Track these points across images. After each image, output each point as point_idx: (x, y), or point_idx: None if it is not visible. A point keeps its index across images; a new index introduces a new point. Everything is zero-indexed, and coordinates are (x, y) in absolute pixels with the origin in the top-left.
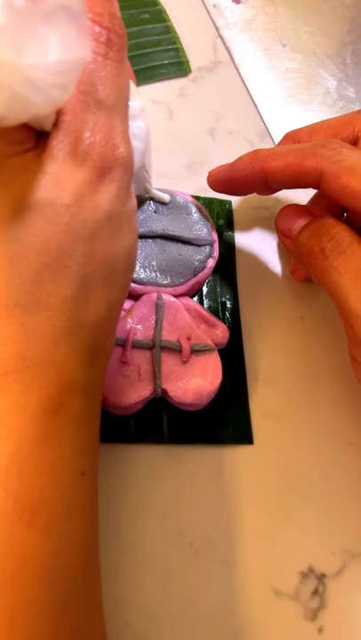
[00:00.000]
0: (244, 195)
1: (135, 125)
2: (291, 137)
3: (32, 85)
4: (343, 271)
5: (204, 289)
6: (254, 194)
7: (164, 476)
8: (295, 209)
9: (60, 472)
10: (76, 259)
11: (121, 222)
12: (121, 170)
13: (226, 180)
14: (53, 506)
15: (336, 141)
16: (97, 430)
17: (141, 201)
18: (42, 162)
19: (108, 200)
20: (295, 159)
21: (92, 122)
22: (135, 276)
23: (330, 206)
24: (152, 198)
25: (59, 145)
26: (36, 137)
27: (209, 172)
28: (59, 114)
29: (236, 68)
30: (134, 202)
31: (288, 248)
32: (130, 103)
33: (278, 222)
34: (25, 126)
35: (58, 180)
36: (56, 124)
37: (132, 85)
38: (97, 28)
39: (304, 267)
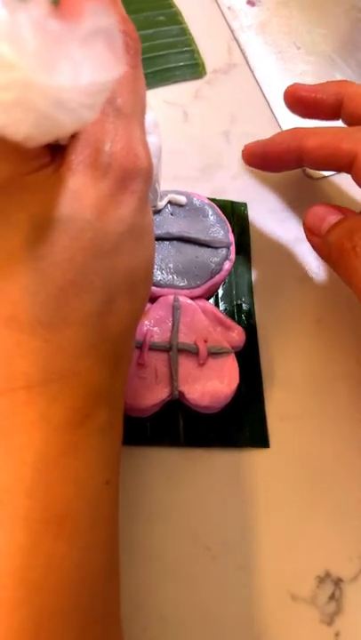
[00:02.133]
0: (276, 171)
1: (148, 141)
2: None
3: (61, 106)
4: None
5: (220, 291)
6: (270, 197)
7: (180, 478)
8: (325, 207)
9: (85, 482)
10: (100, 273)
11: (142, 234)
12: (142, 180)
13: (261, 154)
14: (79, 516)
15: None
16: (120, 438)
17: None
18: (61, 177)
19: (130, 213)
20: (332, 140)
21: (112, 131)
22: (153, 272)
23: None
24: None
25: (78, 158)
26: (50, 151)
27: (245, 146)
28: None
29: (251, 71)
30: (151, 213)
31: (316, 246)
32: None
33: (307, 220)
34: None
35: (79, 195)
36: (74, 135)
37: (147, 98)
38: None
39: (332, 266)
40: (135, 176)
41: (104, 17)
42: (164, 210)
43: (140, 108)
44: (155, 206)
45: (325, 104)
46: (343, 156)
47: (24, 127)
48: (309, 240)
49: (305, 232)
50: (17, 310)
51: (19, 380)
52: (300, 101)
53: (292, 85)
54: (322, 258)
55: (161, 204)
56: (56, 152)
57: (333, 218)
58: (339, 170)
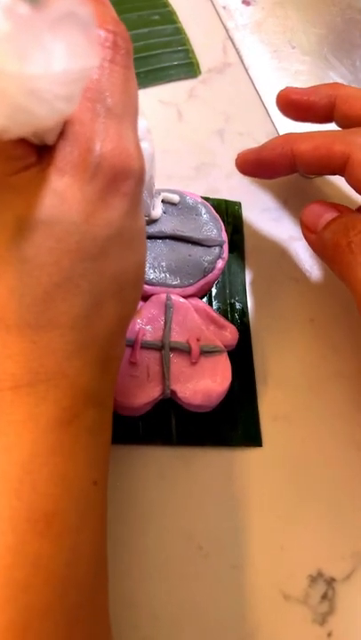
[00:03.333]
0: (270, 178)
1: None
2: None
3: (36, 96)
4: None
5: (214, 290)
6: (263, 196)
7: (173, 477)
8: (322, 204)
9: (73, 482)
10: (87, 277)
11: (132, 237)
12: (133, 182)
13: (255, 161)
14: (67, 515)
15: None
16: (109, 439)
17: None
18: (47, 177)
19: (119, 216)
20: (325, 142)
21: (102, 131)
22: (144, 276)
23: None
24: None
25: (66, 158)
26: (36, 152)
27: (238, 154)
28: (65, 124)
29: (246, 70)
30: (143, 216)
31: (312, 243)
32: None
33: (303, 217)
34: (23, 141)
35: (65, 196)
36: (62, 135)
37: (141, 106)
38: (102, 32)
39: (327, 262)
40: (126, 177)
41: (76, 3)
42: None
43: (132, 110)
44: (148, 215)
45: (318, 107)
46: (336, 158)
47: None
48: (305, 237)
49: (301, 228)
50: (4, 312)
51: (6, 380)
52: (292, 105)
53: (284, 89)
54: (317, 254)
55: (155, 213)
56: (43, 152)
57: (330, 215)
58: (332, 173)
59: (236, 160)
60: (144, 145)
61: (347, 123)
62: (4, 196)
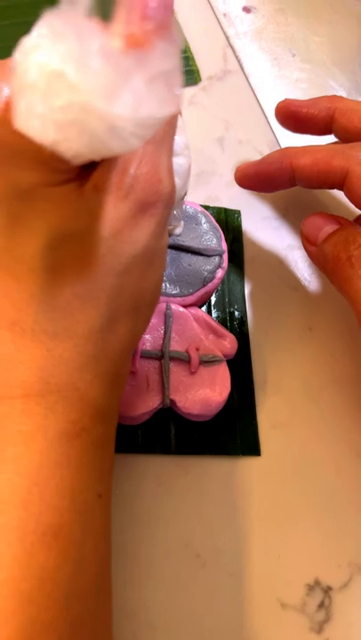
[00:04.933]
0: (269, 192)
1: (176, 162)
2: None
3: (114, 132)
4: None
5: (213, 299)
6: (263, 204)
7: (172, 486)
8: (322, 216)
9: (79, 495)
10: (106, 291)
11: (154, 258)
12: (162, 206)
13: (254, 175)
14: (72, 528)
15: None
16: (112, 452)
17: None
18: (83, 192)
19: (145, 236)
20: (323, 157)
21: (140, 155)
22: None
23: None
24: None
25: (104, 177)
26: (79, 168)
27: (236, 168)
28: None
29: (246, 78)
30: (167, 237)
31: (312, 255)
32: (175, 139)
33: (304, 228)
34: None
35: (99, 212)
36: None
37: (180, 120)
38: None
39: (327, 275)
40: (156, 200)
41: (171, 58)
42: None
43: (170, 135)
44: (173, 227)
45: (317, 119)
46: (335, 172)
47: (75, 146)
48: (306, 249)
49: (301, 240)
50: (22, 316)
51: (17, 387)
52: (291, 116)
53: (283, 100)
54: (317, 267)
55: (178, 230)
56: (84, 168)
57: (330, 227)
58: (331, 187)
59: (235, 174)
60: (180, 160)
61: (345, 135)
62: (41, 205)
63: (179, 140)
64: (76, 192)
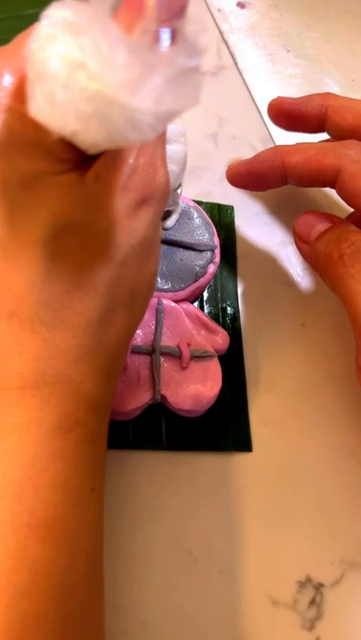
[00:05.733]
0: (261, 190)
1: (173, 149)
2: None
3: (133, 125)
4: None
5: (205, 294)
6: (256, 200)
7: (163, 482)
8: (315, 214)
9: (73, 488)
10: (105, 281)
11: (150, 248)
12: (159, 195)
13: (245, 173)
14: (66, 522)
15: (358, 142)
16: (105, 446)
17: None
18: (85, 182)
19: (143, 226)
20: (315, 155)
21: (137, 146)
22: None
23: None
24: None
25: (105, 167)
26: (81, 157)
27: (228, 166)
28: None
29: (240, 73)
30: (161, 228)
31: (304, 253)
32: (169, 127)
33: (296, 227)
34: (72, 146)
35: (99, 202)
36: None
37: None
38: None
39: (319, 273)
40: (153, 190)
41: (195, 56)
42: None
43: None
44: (170, 212)
45: (309, 117)
46: (327, 171)
47: (94, 136)
48: (298, 247)
49: (294, 238)
50: (20, 306)
51: (13, 379)
52: (283, 114)
53: (275, 98)
54: (310, 265)
55: (169, 223)
56: (85, 157)
57: (322, 226)
58: (323, 185)
59: (227, 172)
60: (177, 147)
61: (338, 133)
62: (43, 194)
63: (174, 127)
64: (77, 181)
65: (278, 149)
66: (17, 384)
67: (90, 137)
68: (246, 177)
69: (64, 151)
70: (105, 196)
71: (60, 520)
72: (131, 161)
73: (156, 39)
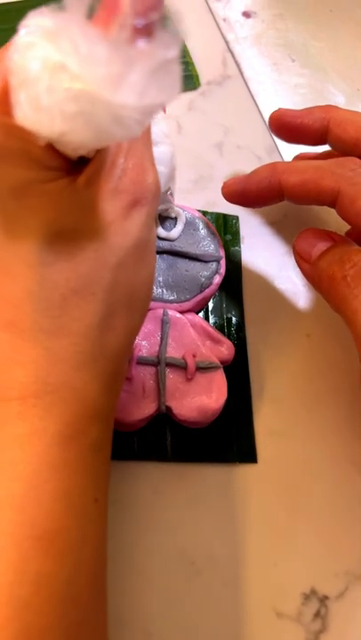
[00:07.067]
0: (258, 207)
1: (158, 150)
2: (301, 158)
3: (119, 121)
4: None
5: (210, 305)
6: (261, 210)
7: (167, 493)
8: (315, 232)
9: (75, 499)
10: (102, 286)
11: (146, 250)
12: (150, 195)
13: (241, 192)
14: (69, 533)
15: (356, 161)
16: (109, 456)
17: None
18: (76, 188)
19: (137, 227)
20: (313, 177)
21: (126, 148)
22: (152, 291)
23: None
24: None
25: (95, 171)
26: (70, 164)
27: (224, 183)
28: None
29: (246, 83)
30: (155, 230)
31: (305, 273)
32: (152, 129)
33: (297, 245)
34: (59, 154)
35: (91, 206)
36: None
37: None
38: None
39: (322, 293)
40: (144, 191)
41: (173, 47)
42: None
43: (149, 128)
44: (170, 215)
45: (311, 130)
46: (325, 193)
47: (81, 136)
48: (299, 265)
49: (295, 257)
50: (18, 315)
51: (14, 389)
52: (285, 127)
53: (277, 110)
54: (312, 284)
55: (174, 233)
56: (75, 163)
57: (323, 245)
58: (322, 205)
59: (223, 189)
60: (162, 148)
61: (341, 146)
62: (34, 202)
63: (157, 129)
64: (68, 188)
65: (275, 168)
66: (18, 394)
67: (77, 137)
68: (242, 196)
69: (52, 159)
70: (96, 200)
71: (63, 531)
72: (120, 164)
73: (134, 33)
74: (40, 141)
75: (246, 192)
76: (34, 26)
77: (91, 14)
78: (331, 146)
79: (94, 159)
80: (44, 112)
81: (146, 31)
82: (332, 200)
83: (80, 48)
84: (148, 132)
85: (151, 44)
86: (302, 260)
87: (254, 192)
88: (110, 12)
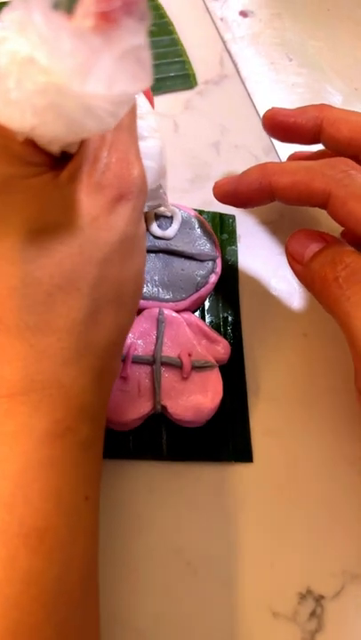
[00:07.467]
0: (250, 207)
1: (146, 145)
2: (296, 157)
3: (90, 112)
4: (357, 302)
5: (206, 304)
6: (257, 210)
7: (163, 492)
8: (307, 233)
9: (65, 497)
10: (88, 281)
11: (133, 245)
12: (136, 189)
13: (232, 193)
14: (58, 531)
15: (347, 162)
16: (100, 454)
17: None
18: (59, 183)
19: (122, 222)
20: (304, 178)
21: (109, 142)
22: (143, 286)
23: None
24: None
25: (77, 166)
26: (52, 159)
27: (215, 183)
28: None
29: (243, 82)
30: (144, 224)
31: (298, 274)
32: (138, 123)
33: (289, 246)
34: (40, 149)
35: (74, 201)
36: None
37: (148, 105)
38: None
39: (315, 295)
40: (130, 185)
41: (139, 34)
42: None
43: (133, 121)
44: (164, 206)
45: (304, 129)
46: (316, 195)
47: (52, 129)
48: (291, 267)
49: (287, 258)
50: (3, 312)
51: (1, 387)
52: (278, 126)
53: (270, 109)
54: (304, 286)
55: (169, 232)
56: (59, 159)
57: (316, 246)
58: (313, 207)
59: (214, 189)
60: (150, 143)
61: (334, 145)
62: (16, 198)
63: (144, 123)
64: (51, 183)
65: (266, 169)
66: (5, 391)
67: (49, 130)
68: (233, 197)
69: (33, 155)
70: (80, 194)
71: (52, 529)
72: (104, 158)
73: (98, 21)
74: (18, 137)
75: (237, 193)
76: (8, 21)
77: (57, 4)
78: (324, 145)
79: (77, 154)
80: (14, 106)
81: (110, 18)
82: (323, 202)
83: (48, 39)
84: (133, 126)
85: (117, 32)
86: (295, 262)
87: (245, 193)
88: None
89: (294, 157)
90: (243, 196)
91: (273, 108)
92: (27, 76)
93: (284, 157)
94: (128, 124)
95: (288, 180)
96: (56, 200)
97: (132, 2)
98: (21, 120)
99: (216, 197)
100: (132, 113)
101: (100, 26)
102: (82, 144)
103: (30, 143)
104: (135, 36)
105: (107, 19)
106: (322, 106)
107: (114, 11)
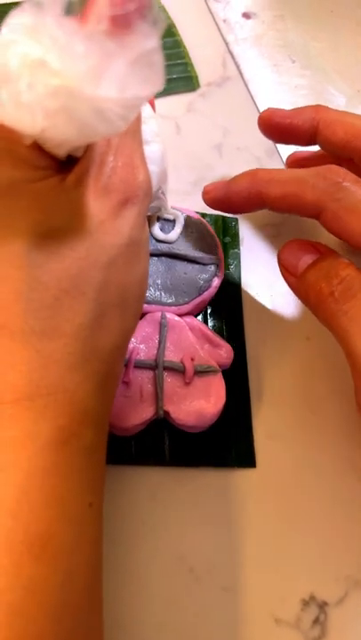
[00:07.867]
0: (242, 214)
1: (149, 149)
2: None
3: (101, 115)
4: (354, 316)
5: (209, 308)
6: (260, 212)
7: (165, 498)
8: (300, 244)
9: (69, 503)
10: (93, 285)
11: (138, 249)
12: (142, 194)
13: (222, 199)
14: (62, 538)
15: (338, 172)
16: (104, 459)
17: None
18: (65, 187)
19: (128, 226)
20: (295, 190)
21: (115, 146)
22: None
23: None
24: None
25: (84, 170)
26: (58, 163)
27: (204, 188)
28: None
29: (245, 84)
30: (148, 229)
31: (292, 286)
32: (142, 127)
33: (282, 258)
34: (47, 153)
35: (81, 205)
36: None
37: (150, 109)
38: None
39: (310, 308)
40: (135, 189)
41: (152, 38)
42: (153, 225)
43: (138, 125)
44: (163, 214)
45: (300, 130)
46: (308, 208)
47: (63, 132)
48: (285, 279)
49: (280, 270)
50: (9, 317)
51: (7, 392)
52: (274, 127)
53: (266, 110)
54: (299, 298)
55: (172, 236)
56: (65, 163)
57: (309, 257)
58: (305, 217)
59: (203, 195)
60: (153, 147)
61: (330, 147)
62: (22, 202)
63: (147, 128)
64: (57, 187)
65: (255, 177)
66: (11, 397)
67: (59, 133)
68: (224, 204)
69: (39, 158)
70: (86, 199)
71: (56, 537)
72: (110, 162)
73: (112, 25)
74: (25, 140)
75: (229, 201)
76: (16, 24)
77: (70, 9)
78: (320, 147)
79: (83, 158)
80: (25, 109)
81: (124, 22)
82: (315, 214)
83: (60, 42)
84: (138, 130)
85: (130, 36)
86: (288, 274)
87: (237, 202)
88: (88, 4)
89: (294, 158)
90: (233, 205)
91: (269, 108)
92: (38, 78)
93: None
94: (133, 128)
95: (278, 191)
96: (63, 204)
97: (146, 5)
98: (32, 122)
99: (206, 203)
100: (138, 117)
101: (114, 29)
102: (88, 148)
103: (36, 147)
104: (148, 40)
105: (120, 23)
106: (318, 107)
107: (128, 14)
